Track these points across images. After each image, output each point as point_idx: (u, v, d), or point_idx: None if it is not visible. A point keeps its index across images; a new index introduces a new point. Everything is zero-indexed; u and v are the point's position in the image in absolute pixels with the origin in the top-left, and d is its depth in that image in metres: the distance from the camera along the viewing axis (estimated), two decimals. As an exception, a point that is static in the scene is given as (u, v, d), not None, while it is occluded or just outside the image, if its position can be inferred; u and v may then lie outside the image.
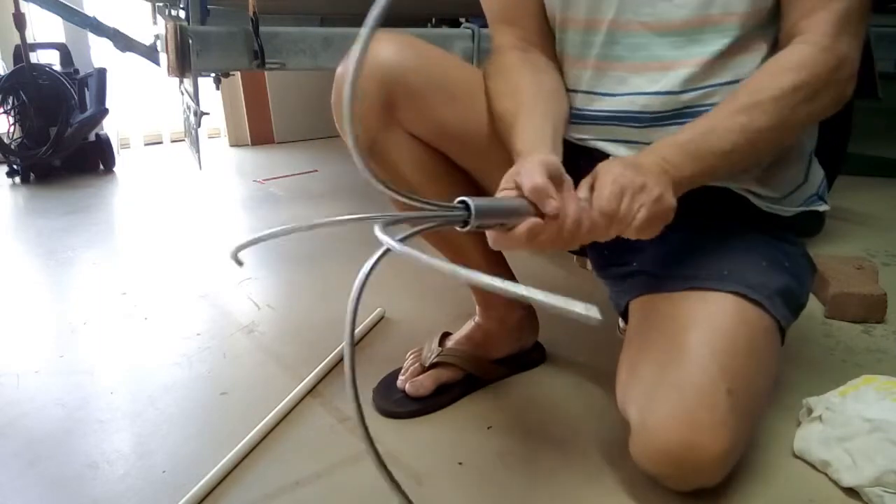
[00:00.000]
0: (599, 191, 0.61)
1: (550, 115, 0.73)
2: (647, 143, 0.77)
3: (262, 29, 1.39)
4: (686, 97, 0.74)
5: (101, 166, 2.59)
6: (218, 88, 2.11)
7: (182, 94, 1.94)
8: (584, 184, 0.64)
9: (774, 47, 0.74)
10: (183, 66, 1.42)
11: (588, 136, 0.82)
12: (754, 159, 0.74)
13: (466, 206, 0.53)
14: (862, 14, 0.70)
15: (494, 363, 0.96)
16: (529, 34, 0.85)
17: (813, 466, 0.76)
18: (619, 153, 0.79)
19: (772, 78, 0.69)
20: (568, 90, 0.83)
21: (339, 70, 0.80)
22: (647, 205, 0.61)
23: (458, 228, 0.54)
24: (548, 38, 0.85)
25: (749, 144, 0.68)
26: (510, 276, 0.98)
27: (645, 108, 0.76)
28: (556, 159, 0.63)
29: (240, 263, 0.55)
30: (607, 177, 0.62)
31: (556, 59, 0.85)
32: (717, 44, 0.72)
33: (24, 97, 2.34)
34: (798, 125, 0.70)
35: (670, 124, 0.76)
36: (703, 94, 0.74)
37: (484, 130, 0.80)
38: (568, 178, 0.62)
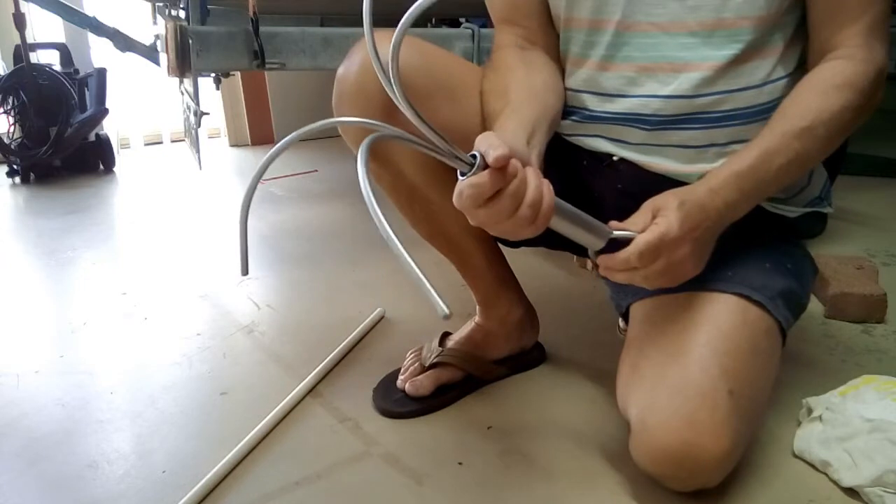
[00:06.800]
0: (644, 237, 0.64)
1: (533, 118, 0.73)
2: (653, 146, 0.77)
3: (262, 29, 1.39)
4: (699, 102, 0.74)
5: (101, 166, 2.59)
6: (218, 88, 2.11)
7: (182, 94, 1.95)
8: (646, 210, 0.67)
9: (786, 53, 0.74)
10: (183, 66, 1.42)
11: (592, 136, 0.82)
12: (800, 179, 0.77)
13: (473, 161, 0.59)
14: (888, 18, 0.71)
15: (494, 363, 0.96)
16: (532, 34, 0.85)
17: (813, 466, 0.76)
18: (623, 154, 0.79)
19: (821, 98, 0.69)
20: (573, 90, 0.83)
21: (340, 71, 0.80)
22: (669, 264, 0.65)
23: (459, 175, 0.59)
24: (550, 38, 0.85)
25: (803, 169, 0.72)
26: (510, 275, 0.98)
27: (657, 112, 0.76)
28: (519, 144, 0.64)
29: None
30: (662, 227, 0.64)
31: (559, 59, 0.85)
32: (730, 48, 0.72)
33: (24, 97, 2.34)
34: (843, 140, 0.72)
35: (679, 128, 0.76)
36: (715, 99, 0.74)
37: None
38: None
